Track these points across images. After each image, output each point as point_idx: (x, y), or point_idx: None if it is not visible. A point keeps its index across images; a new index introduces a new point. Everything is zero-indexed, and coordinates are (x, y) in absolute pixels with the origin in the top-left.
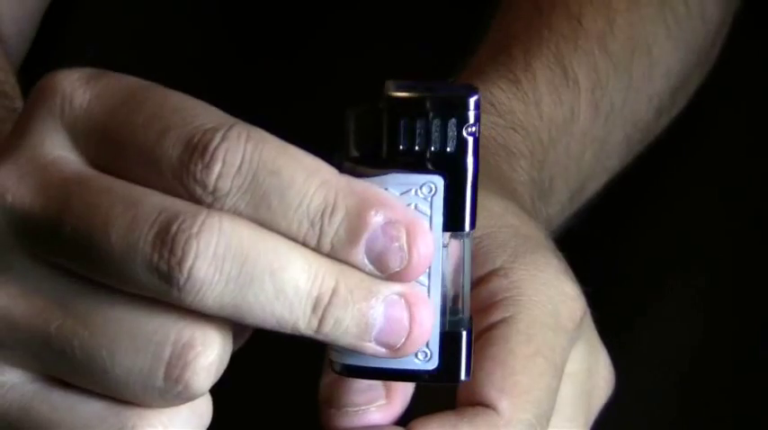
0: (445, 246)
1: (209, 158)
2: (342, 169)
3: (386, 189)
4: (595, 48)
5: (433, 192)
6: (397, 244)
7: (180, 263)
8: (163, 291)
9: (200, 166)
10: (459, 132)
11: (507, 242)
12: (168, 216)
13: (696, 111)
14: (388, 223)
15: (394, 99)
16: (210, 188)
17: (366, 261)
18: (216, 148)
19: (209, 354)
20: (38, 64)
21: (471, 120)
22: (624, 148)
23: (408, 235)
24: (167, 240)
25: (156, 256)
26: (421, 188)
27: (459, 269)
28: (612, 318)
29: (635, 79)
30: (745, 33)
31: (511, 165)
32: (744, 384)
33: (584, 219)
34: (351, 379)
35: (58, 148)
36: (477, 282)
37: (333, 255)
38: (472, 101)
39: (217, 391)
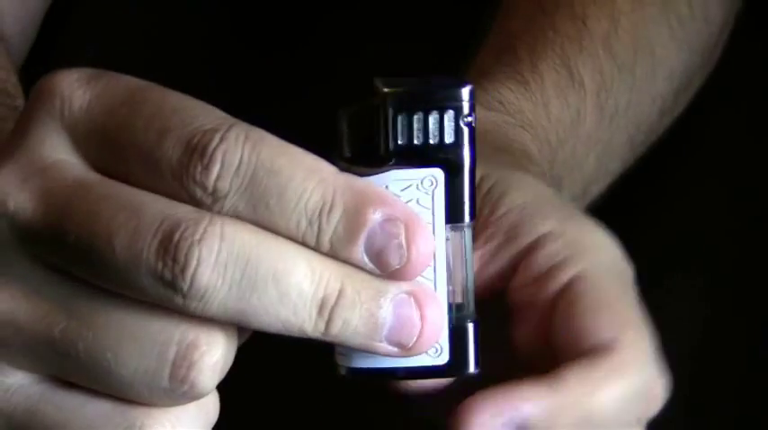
0: (447, 239)
1: (207, 160)
2: (339, 169)
3: (386, 187)
4: (600, 49)
5: (434, 186)
6: (396, 241)
7: (183, 271)
8: (167, 299)
9: (199, 168)
10: (457, 123)
11: (549, 209)
12: (171, 224)
13: (696, 111)
14: (387, 220)
15: (390, 95)
16: (210, 189)
17: (366, 259)
18: (214, 150)
19: (214, 353)
20: (40, 61)
21: (467, 110)
22: (627, 150)
23: (407, 232)
24: (170, 249)
25: (159, 265)
26: (422, 182)
27: (461, 261)
28: None
29: (638, 81)
30: (746, 34)
31: (528, 158)
32: (747, 383)
33: None
34: None
35: (58, 151)
36: (528, 250)
37: (332, 254)
38: (466, 91)
39: (222, 388)
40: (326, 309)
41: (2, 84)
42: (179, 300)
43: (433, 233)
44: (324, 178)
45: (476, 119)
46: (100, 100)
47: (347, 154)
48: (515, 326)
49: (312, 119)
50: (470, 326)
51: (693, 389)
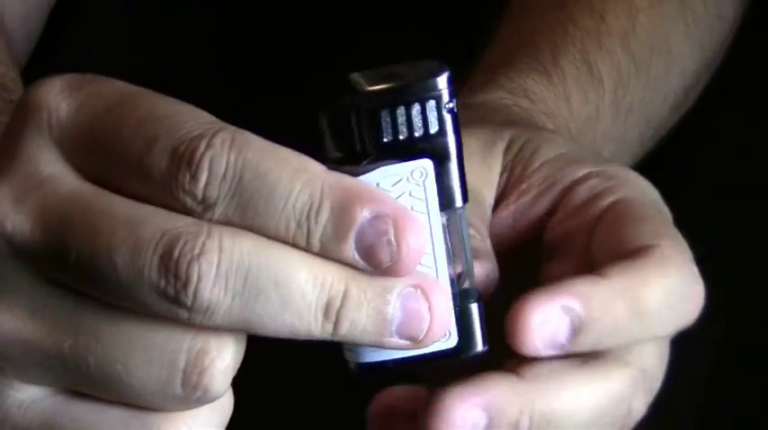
0: (444, 225)
1: (195, 168)
2: (328, 169)
3: (377, 184)
4: (618, 46)
5: (424, 176)
6: (385, 238)
7: (185, 286)
8: (172, 313)
9: (187, 177)
10: (440, 112)
11: (584, 157)
12: (170, 239)
13: (696, 111)
14: (376, 217)
15: (370, 94)
16: (200, 197)
17: (357, 257)
18: (201, 157)
19: (225, 357)
20: (44, 58)
21: (447, 98)
22: (637, 146)
23: (397, 228)
24: (171, 266)
25: (162, 282)
26: (412, 174)
27: (459, 244)
28: None
29: (653, 78)
30: (746, 33)
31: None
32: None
33: None
34: None
35: (50, 165)
36: (567, 191)
37: (323, 254)
38: (444, 78)
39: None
40: (333, 311)
41: (0, 78)
42: (184, 314)
43: (429, 221)
44: (311, 178)
45: (456, 103)
46: (86, 108)
47: (334, 155)
48: (553, 265)
49: (314, 113)
50: (474, 307)
51: (713, 390)
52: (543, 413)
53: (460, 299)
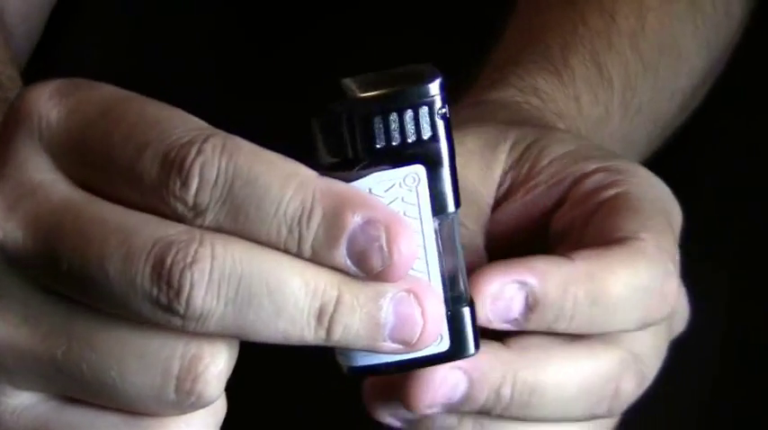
0: (437, 230)
1: (185, 175)
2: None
3: (369, 190)
4: (627, 47)
5: (416, 182)
6: (377, 243)
7: (178, 295)
8: (165, 321)
9: (178, 184)
10: (433, 118)
11: (593, 153)
12: (162, 247)
13: (702, 111)
14: (367, 223)
15: (362, 100)
16: (191, 204)
17: (349, 263)
18: (192, 163)
19: (219, 363)
20: (45, 58)
21: (439, 104)
22: (645, 145)
23: (389, 233)
24: (164, 274)
25: (155, 290)
26: (404, 180)
27: (454, 248)
28: None
29: (661, 78)
30: (753, 33)
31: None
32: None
33: None
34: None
35: (41, 171)
36: (574, 183)
37: (315, 260)
38: (437, 84)
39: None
40: (325, 316)
41: None
42: (177, 321)
43: (421, 227)
44: (302, 183)
45: (449, 109)
46: (76, 114)
47: (327, 161)
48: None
49: (308, 118)
50: (466, 311)
51: (716, 388)
52: (527, 382)
53: (453, 303)
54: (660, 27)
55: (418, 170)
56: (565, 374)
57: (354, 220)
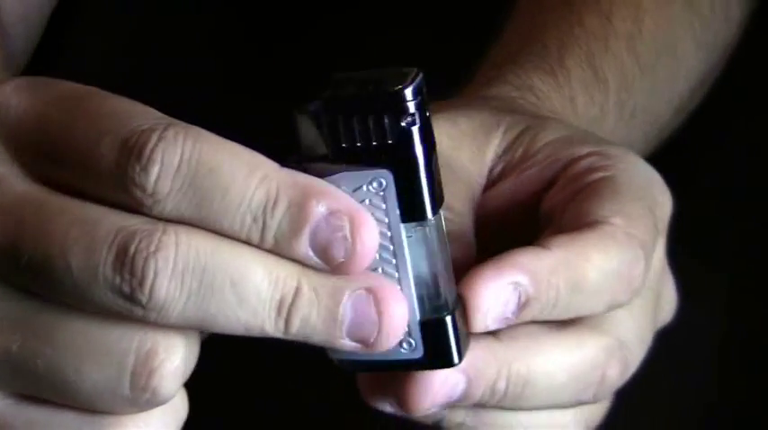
0: (410, 236)
1: (146, 160)
2: (294, 169)
3: (339, 187)
4: (624, 50)
5: (383, 187)
6: (340, 233)
7: (141, 283)
8: (127, 311)
9: (137, 169)
10: (399, 125)
11: (586, 138)
12: (125, 237)
13: (700, 112)
14: (331, 213)
15: (329, 100)
16: (150, 190)
17: (311, 253)
18: (153, 149)
19: (174, 359)
20: (46, 58)
21: (411, 110)
22: (641, 147)
23: (352, 224)
24: (126, 262)
25: (117, 279)
26: (371, 183)
27: (432, 256)
28: None
29: (658, 81)
30: (752, 34)
31: None
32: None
33: None
34: None
35: (1, 166)
36: (566, 166)
37: (277, 250)
38: (408, 91)
39: (190, 384)
40: (284, 308)
41: None
42: (139, 311)
43: (390, 232)
44: (266, 174)
45: (423, 116)
46: (36, 107)
47: (304, 155)
48: (542, 237)
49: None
50: (448, 319)
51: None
52: (520, 374)
53: (430, 310)
54: (657, 29)
55: (383, 175)
56: (554, 363)
57: (318, 211)
